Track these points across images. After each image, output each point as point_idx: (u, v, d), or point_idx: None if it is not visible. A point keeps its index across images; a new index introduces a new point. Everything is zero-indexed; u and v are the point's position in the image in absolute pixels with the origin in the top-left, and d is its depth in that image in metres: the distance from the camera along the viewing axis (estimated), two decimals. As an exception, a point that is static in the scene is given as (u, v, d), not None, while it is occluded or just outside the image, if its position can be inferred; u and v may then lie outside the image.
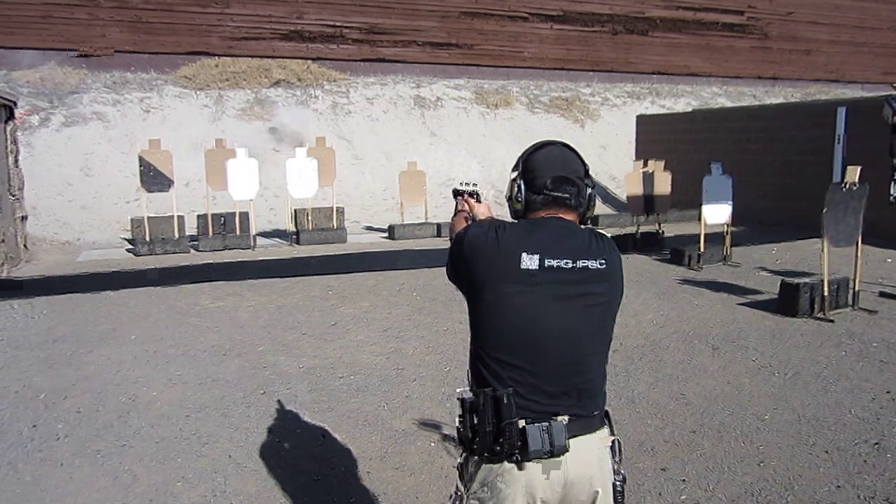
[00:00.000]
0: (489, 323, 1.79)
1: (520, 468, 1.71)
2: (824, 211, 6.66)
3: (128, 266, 9.55)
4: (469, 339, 1.90)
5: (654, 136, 15.66)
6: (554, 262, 1.76)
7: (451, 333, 6.17)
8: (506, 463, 1.72)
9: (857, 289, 7.02)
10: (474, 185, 2.42)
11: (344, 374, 5.11)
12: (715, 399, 4.69)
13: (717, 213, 9.17)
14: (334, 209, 11.66)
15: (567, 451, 1.71)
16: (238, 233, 10.94)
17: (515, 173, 1.93)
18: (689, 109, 19.25)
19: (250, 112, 15.32)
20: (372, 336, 6.10)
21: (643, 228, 10.83)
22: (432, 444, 3.97)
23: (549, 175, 1.88)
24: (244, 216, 10.99)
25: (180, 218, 10.86)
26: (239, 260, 9.94)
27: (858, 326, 6.40)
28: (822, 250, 6.74)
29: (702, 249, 9.22)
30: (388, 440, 3.98)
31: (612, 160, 17.93)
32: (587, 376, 1.80)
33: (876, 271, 8.58)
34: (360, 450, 3.84)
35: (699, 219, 9.39)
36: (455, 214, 2.36)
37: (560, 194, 1.86)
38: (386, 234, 12.11)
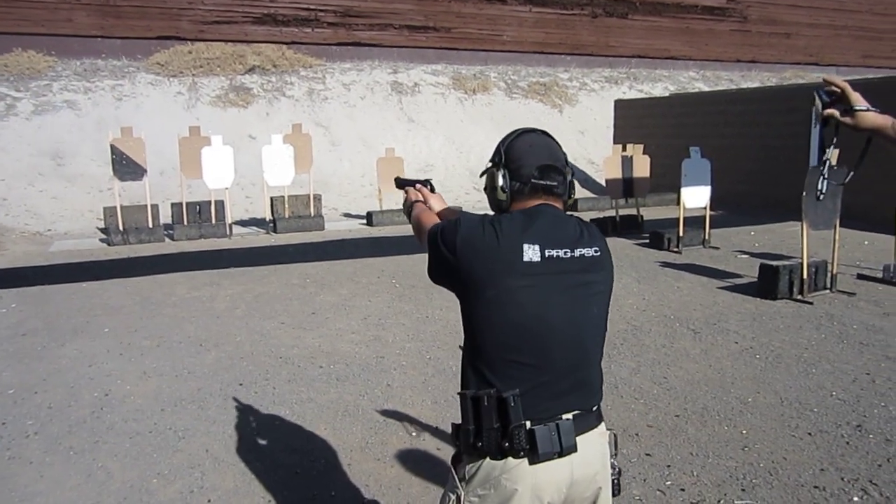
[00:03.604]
0: (492, 321, 1.69)
1: (529, 464, 1.65)
2: (804, 195, 6.67)
3: (101, 256, 9.37)
4: (464, 341, 1.81)
5: (632, 120, 15.66)
6: (554, 252, 1.69)
7: (432, 321, 6.11)
8: (511, 459, 1.65)
9: (835, 271, 7.05)
10: (429, 180, 2.32)
11: (323, 363, 5.03)
12: (697, 383, 4.68)
13: (696, 197, 9.17)
14: (311, 196, 11.53)
15: (576, 450, 1.65)
16: (214, 221, 10.79)
17: (496, 163, 1.85)
18: (667, 94, 19.29)
19: (225, 99, 15.09)
20: (351, 324, 6.02)
21: (623, 212, 10.83)
22: (413, 433, 3.91)
23: (535, 163, 1.79)
24: (220, 205, 10.83)
25: (154, 207, 10.68)
26: (215, 249, 9.80)
27: (837, 309, 6.42)
28: (802, 234, 6.75)
29: (681, 233, 9.23)
30: (369, 430, 3.91)
31: (591, 145, 17.93)
32: (590, 370, 1.74)
33: (853, 254, 8.64)
34: (340, 441, 3.77)
35: (678, 202, 9.39)
36: (411, 206, 2.19)
37: (549, 182, 1.78)
38: (364, 221, 12.01)
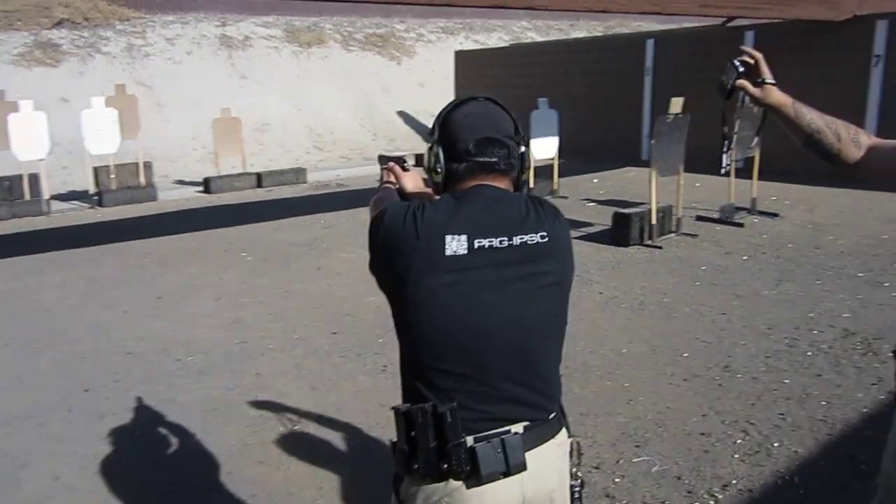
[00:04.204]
0: (416, 326, 1.46)
1: (468, 487, 1.43)
2: (652, 142, 6.87)
3: None
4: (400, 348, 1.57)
5: (473, 71, 15.64)
6: (486, 242, 1.45)
7: (293, 296, 5.74)
8: (452, 481, 1.43)
9: (679, 215, 7.39)
10: (403, 158, 2.03)
11: (180, 355, 4.55)
12: (572, 338, 4.61)
13: (545, 148, 9.27)
14: (141, 164, 10.55)
15: (525, 468, 1.44)
16: (28, 198, 9.59)
17: (432, 138, 1.59)
18: (502, 45, 19.46)
19: (30, 57, 13.40)
20: (204, 307, 5.53)
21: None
22: (295, 426, 3.61)
23: (472, 137, 1.54)
24: (34, 178, 9.63)
25: (-48, 185, 9.32)
26: (33, 230, 8.73)
27: (685, 251, 6.73)
28: (651, 180, 6.97)
29: (532, 185, 9.32)
30: (245, 429, 3.56)
31: (431, 97, 17.75)
32: (541, 374, 1.53)
33: (689, 196, 9.11)
34: (214, 446, 3.39)
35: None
36: (378, 189, 1.94)
37: (486, 159, 1.53)
38: (202, 188, 11.19)
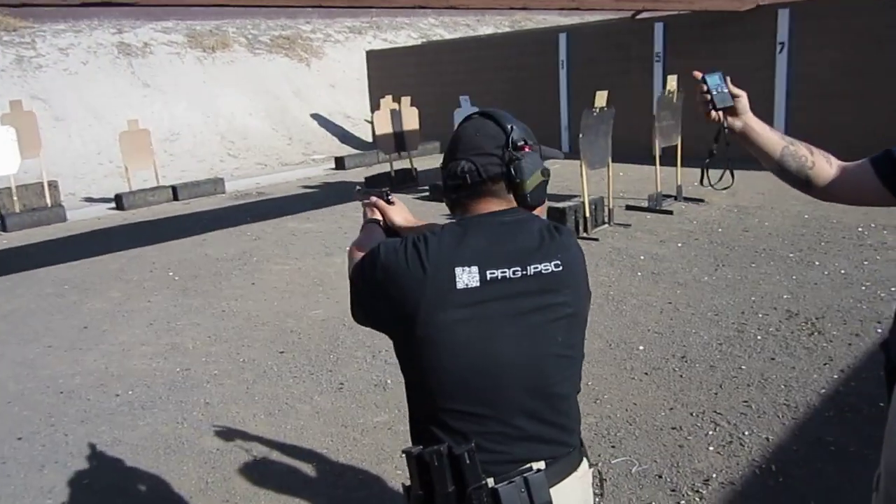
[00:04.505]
0: (428, 365, 1.35)
1: None
2: (580, 136, 6.91)
3: None
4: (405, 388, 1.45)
5: (386, 71, 15.47)
6: (498, 273, 1.35)
7: (231, 314, 5.48)
8: None
9: (611, 206, 7.48)
10: (386, 190, 1.89)
11: (119, 390, 4.25)
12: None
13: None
14: (45, 184, 9.91)
15: None
16: (-81, 228, 8.85)
17: (448, 159, 1.51)
18: (412, 43, 19.35)
19: None
20: (137, 334, 5.20)
21: (396, 166, 10.65)
22: (256, 456, 3.41)
23: (462, 156, 1.45)
24: (-76, 206, 8.89)
25: None
26: (-72, 261, 8.04)
27: (621, 242, 6.81)
28: (581, 173, 7.02)
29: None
30: (203, 466, 3.33)
31: (344, 98, 17.52)
32: (560, 408, 1.43)
33: (615, 186, 9.26)
34: (174, 487, 3.15)
35: (441, 151, 9.39)
36: (362, 229, 1.80)
37: (475, 179, 1.43)
38: (113, 205, 10.60)
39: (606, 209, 7.46)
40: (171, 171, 12.60)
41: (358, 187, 2.04)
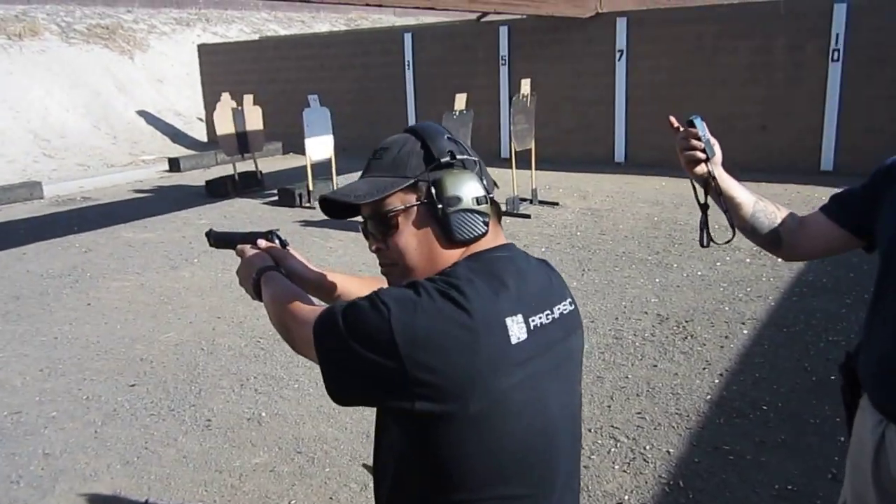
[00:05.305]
0: (477, 449, 1.05)
1: None
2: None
3: None
4: (408, 479, 1.14)
5: (220, 66, 14.60)
6: (537, 320, 1.11)
7: (66, 342, 4.80)
8: None
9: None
10: (273, 231, 1.50)
11: (-71, 445, 3.53)
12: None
13: (321, 147, 8.83)
14: None
15: None
16: None
17: (443, 164, 1.16)
18: (244, 37, 18.45)
19: None
20: (-54, 371, 4.40)
21: (239, 168, 10.01)
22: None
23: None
24: None
25: None
26: None
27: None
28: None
29: (311, 187, 8.86)
30: (52, 536, 2.80)
31: (173, 94, 16.37)
32: (579, 467, 1.25)
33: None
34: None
35: (284, 152, 8.96)
36: (259, 278, 1.36)
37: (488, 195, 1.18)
38: None
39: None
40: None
41: (209, 230, 1.61)
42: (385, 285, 1.21)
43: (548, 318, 1.13)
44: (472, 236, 1.14)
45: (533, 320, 1.10)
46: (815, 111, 8.93)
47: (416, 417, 1.03)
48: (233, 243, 1.48)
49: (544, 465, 1.12)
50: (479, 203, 1.14)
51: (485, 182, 1.17)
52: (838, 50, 8.66)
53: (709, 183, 1.66)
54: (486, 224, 1.15)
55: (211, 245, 1.56)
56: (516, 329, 1.06)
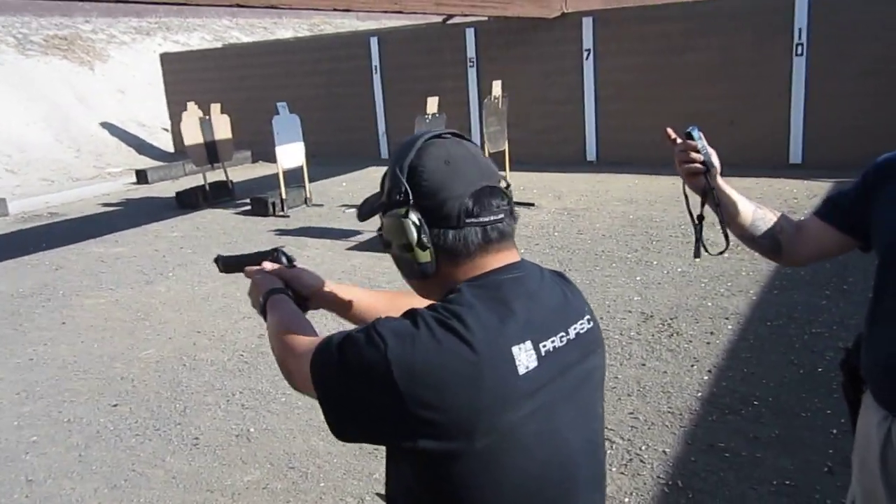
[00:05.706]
0: (484, 487, 1.01)
1: None
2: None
3: None
4: None
5: (184, 75, 14.38)
6: (549, 344, 1.05)
7: (42, 363, 4.67)
8: None
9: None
10: (278, 249, 1.46)
11: None
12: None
13: (292, 154, 8.74)
14: None
15: None
16: None
17: (397, 201, 1.08)
18: (206, 45, 18.23)
19: None
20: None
21: (210, 178, 9.87)
22: (109, 544, 2.83)
23: (467, 189, 1.07)
24: None
25: None
26: None
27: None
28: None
29: (284, 195, 8.76)
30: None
31: (136, 105, 16.09)
32: (604, 495, 1.20)
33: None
34: None
35: (253, 160, 8.85)
36: (265, 304, 1.32)
37: (494, 219, 1.09)
38: None
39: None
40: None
41: (217, 256, 1.58)
42: (412, 297, 1.18)
43: (562, 341, 1.07)
44: (424, 273, 1.10)
45: (544, 345, 1.04)
46: (781, 105, 9.07)
47: (419, 454, 0.99)
48: (241, 266, 1.43)
49: (562, 498, 1.08)
50: (423, 244, 1.07)
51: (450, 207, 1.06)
52: (801, 44, 8.80)
53: (707, 194, 1.66)
54: (437, 260, 1.09)
55: (221, 271, 1.52)
56: (524, 357, 1.01)
